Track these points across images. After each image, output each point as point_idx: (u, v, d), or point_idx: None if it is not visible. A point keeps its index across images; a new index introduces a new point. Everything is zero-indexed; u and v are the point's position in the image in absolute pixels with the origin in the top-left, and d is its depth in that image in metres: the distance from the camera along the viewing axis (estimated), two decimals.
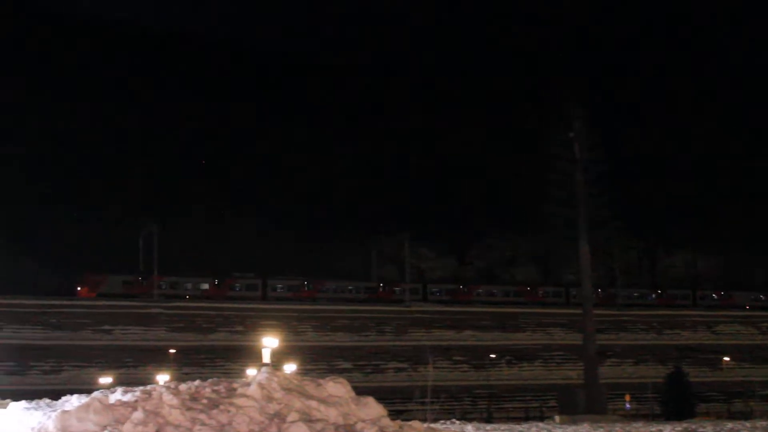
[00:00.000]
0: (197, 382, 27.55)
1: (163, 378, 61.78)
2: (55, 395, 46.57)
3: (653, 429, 39.69)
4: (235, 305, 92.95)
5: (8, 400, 53.20)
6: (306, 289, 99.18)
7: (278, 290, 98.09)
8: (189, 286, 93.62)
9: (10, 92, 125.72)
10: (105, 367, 79.88)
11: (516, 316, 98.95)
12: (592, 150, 68.33)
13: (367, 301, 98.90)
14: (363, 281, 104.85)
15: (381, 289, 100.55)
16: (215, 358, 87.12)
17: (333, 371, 77.72)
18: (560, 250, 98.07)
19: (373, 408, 28.14)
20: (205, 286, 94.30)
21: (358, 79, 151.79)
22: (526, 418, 74.51)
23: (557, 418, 56.16)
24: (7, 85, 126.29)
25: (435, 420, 46.54)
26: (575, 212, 69.03)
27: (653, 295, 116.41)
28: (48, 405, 28.64)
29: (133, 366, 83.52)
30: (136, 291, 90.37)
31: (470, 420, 58.99)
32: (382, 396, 31.93)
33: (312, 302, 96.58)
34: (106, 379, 67.76)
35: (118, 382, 66.17)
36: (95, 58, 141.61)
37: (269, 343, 37.80)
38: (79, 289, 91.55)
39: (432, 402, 72.53)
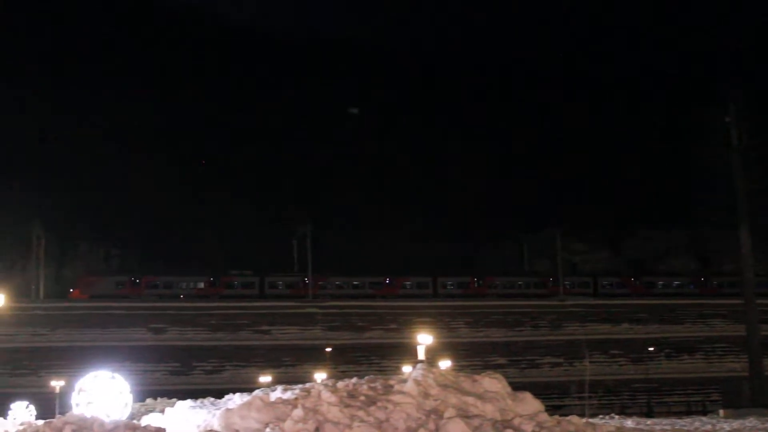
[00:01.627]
0: (354, 380, 27.99)
1: (320, 376, 62.88)
2: (218, 394, 48.13)
3: None
4: (387, 303, 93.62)
5: (174, 400, 55.21)
6: (476, 285, 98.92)
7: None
8: (183, 285, 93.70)
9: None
10: (264, 366, 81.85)
11: (674, 308, 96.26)
12: (751, 134, 65.95)
13: (537, 296, 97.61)
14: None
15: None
16: (370, 355, 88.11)
17: (488, 367, 77.28)
18: (719, 239, 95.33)
19: (530, 403, 27.98)
20: (200, 285, 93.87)
21: (512, 78, 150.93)
22: (688, 413, 72.58)
23: (721, 412, 54.36)
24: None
25: (593, 415, 45.91)
26: (734, 199, 66.90)
27: None
28: (212, 404, 29.68)
29: (290, 365, 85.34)
30: (126, 292, 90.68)
31: (629, 415, 57.94)
32: (538, 391, 31.55)
33: (482, 299, 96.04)
34: (265, 378, 69.54)
35: (277, 381, 67.97)
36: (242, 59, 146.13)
37: (424, 339, 38.02)
38: (71, 291, 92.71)
39: (589, 397, 71.71)
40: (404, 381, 26.89)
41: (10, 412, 47.66)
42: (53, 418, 49.35)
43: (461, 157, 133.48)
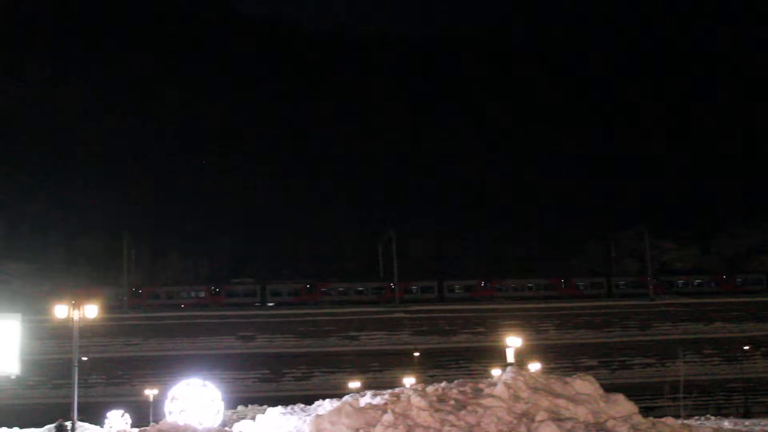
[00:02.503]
0: (443, 384, 27.81)
1: (409, 381, 62.78)
2: (307, 400, 48.41)
3: None
4: (475, 306, 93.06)
5: (265, 407, 55.64)
6: (563, 286, 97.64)
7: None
8: (184, 295, 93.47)
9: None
10: (352, 372, 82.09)
11: None
12: None
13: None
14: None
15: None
16: (458, 359, 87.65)
17: (577, 369, 76.47)
18: None
19: (623, 405, 27.43)
20: (201, 294, 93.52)
21: (614, 80, 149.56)
22: None
23: None
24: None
25: (688, 416, 44.96)
26: None
27: None
28: (302, 410, 29.88)
29: (378, 370, 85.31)
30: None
31: (725, 415, 56.64)
32: (630, 393, 30.88)
33: (569, 300, 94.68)
34: (354, 384, 69.70)
35: (366, 387, 68.08)
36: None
37: (513, 342, 37.61)
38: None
39: (684, 397, 70.21)
40: (494, 384, 26.61)
41: (106, 421, 48.68)
42: (147, 426, 50.31)
43: (548, 158, 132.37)
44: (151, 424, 39.10)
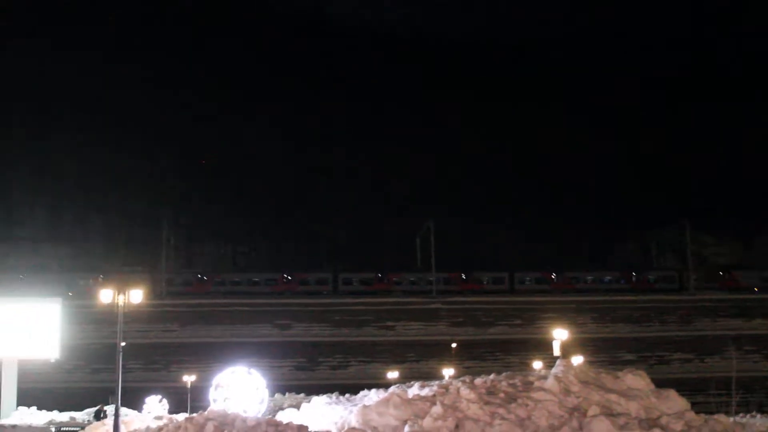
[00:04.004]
0: (492, 376, 27.42)
1: (448, 372, 62.41)
2: (343, 389, 48.02)
3: None
4: (515, 299, 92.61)
5: (303, 395, 55.38)
6: (621, 281, 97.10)
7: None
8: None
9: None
10: (388, 361, 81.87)
11: None
12: None
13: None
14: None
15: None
16: (495, 351, 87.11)
17: (615, 363, 75.65)
18: None
19: (675, 401, 26.93)
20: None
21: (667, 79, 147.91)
22: None
23: None
24: None
25: (735, 413, 44.17)
26: None
27: None
28: (347, 399, 29.53)
29: (415, 360, 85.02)
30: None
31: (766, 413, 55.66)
32: (668, 388, 30.24)
33: (613, 294, 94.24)
34: (393, 374, 69.44)
35: (403, 377, 67.87)
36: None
37: (559, 335, 37.08)
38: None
39: (726, 394, 69.27)
40: (544, 378, 26.19)
41: (144, 406, 48.68)
42: (185, 412, 50.28)
43: (590, 153, 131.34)
44: (199, 411, 39.01)
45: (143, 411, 47.98)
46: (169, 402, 51.33)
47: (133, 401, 54.05)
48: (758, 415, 45.25)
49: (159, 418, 42.57)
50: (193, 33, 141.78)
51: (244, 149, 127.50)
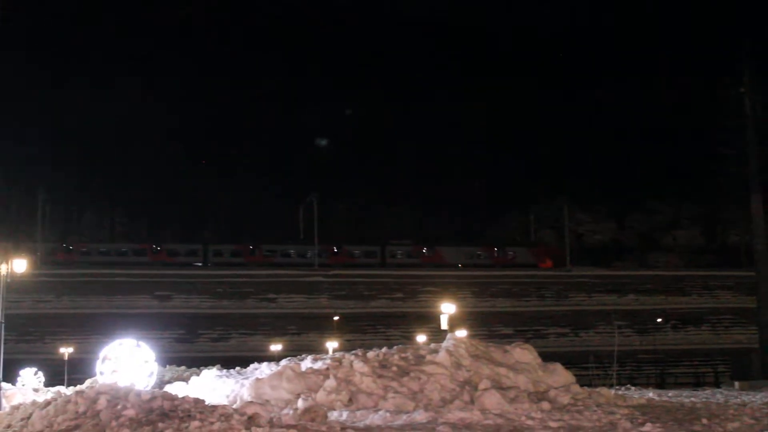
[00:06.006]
0: (384, 350, 27.52)
1: (332, 345, 62.52)
2: (224, 362, 47.57)
3: None
4: (393, 272, 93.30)
5: (183, 367, 54.64)
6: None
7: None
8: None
9: None
10: (270, 334, 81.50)
11: (681, 279, 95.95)
12: (765, 106, 65.55)
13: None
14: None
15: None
16: (376, 324, 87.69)
17: (494, 337, 77.12)
18: (728, 211, 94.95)
19: (561, 374, 27.58)
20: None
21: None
22: (699, 384, 72.38)
23: (736, 384, 54.02)
24: None
25: (610, 386, 45.55)
26: (746, 170, 66.62)
27: None
28: (238, 373, 29.22)
29: (296, 333, 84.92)
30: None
31: (644, 386, 57.67)
32: (545, 361, 30.97)
33: (490, 269, 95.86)
34: (275, 346, 69.16)
35: (287, 350, 67.74)
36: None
37: (447, 309, 37.45)
38: None
39: (606, 367, 71.48)
40: (435, 352, 26.43)
41: (18, 378, 47.25)
42: (62, 384, 48.94)
43: (467, 127, 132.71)
44: (78, 384, 38.03)
45: (17, 384, 46.56)
46: (44, 374, 49.93)
47: (6, 374, 52.40)
48: (632, 388, 46.74)
49: (36, 390, 41.40)
50: None
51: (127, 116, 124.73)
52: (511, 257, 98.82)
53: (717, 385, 65.13)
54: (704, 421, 21.17)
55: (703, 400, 33.63)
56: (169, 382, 33.46)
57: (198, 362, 57.62)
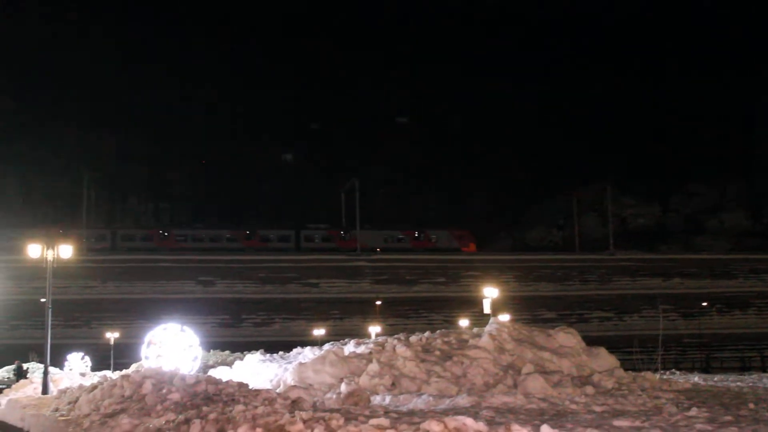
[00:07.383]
0: (427, 334, 27.45)
1: (374, 329, 62.60)
2: (268, 346, 47.78)
3: None
4: (436, 257, 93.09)
5: (227, 352, 54.93)
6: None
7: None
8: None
9: None
10: (313, 319, 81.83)
11: (727, 263, 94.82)
12: None
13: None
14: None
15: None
16: (418, 308, 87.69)
17: (537, 321, 76.75)
18: None
19: (605, 358, 27.31)
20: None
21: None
22: (744, 368, 71.42)
23: None
24: None
25: (655, 370, 45.10)
26: None
27: None
28: (282, 357, 29.27)
29: (338, 318, 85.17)
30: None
31: (689, 370, 57.09)
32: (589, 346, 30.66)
33: (529, 253, 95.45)
34: (318, 331, 69.43)
35: (329, 335, 67.93)
36: None
37: (490, 293, 37.28)
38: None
39: (650, 351, 70.80)
40: (478, 336, 26.32)
41: (66, 363, 47.89)
42: (108, 369, 49.46)
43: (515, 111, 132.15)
44: (124, 368, 38.43)
45: (65, 368, 47.21)
46: (90, 359, 50.57)
47: (54, 359, 53.10)
48: (677, 372, 46.31)
49: (83, 375, 41.93)
50: None
51: (167, 104, 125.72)
52: (434, 241, 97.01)
53: (764, 369, 64.38)
54: (751, 405, 20.84)
55: (750, 384, 33.16)
56: (213, 366, 33.65)
57: (241, 347, 58.03)
